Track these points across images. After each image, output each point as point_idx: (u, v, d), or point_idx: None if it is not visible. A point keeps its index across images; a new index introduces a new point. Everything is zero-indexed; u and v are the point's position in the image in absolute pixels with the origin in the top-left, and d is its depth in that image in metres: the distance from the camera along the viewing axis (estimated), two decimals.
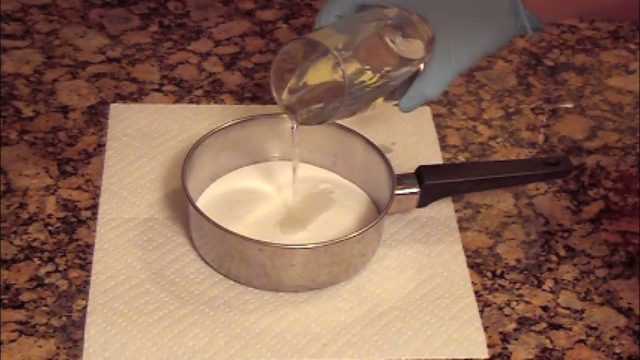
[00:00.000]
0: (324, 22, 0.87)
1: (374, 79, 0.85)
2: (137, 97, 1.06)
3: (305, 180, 0.97)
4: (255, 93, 1.08)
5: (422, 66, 0.86)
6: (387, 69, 0.85)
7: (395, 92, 0.87)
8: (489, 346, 0.85)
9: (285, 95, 0.88)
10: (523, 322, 0.88)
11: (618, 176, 1.02)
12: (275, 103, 1.07)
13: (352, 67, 0.83)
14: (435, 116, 1.07)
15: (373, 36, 0.86)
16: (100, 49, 1.12)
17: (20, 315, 0.84)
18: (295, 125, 0.88)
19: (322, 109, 0.88)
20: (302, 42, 0.86)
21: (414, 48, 0.86)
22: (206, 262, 0.90)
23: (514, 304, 0.89)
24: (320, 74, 0.88)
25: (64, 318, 0.85)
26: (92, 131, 1.02)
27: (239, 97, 1.08)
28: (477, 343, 0.85)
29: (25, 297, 0.86)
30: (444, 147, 1.03)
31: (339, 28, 0.86)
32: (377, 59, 0.85)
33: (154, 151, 1.00)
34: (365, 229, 0.87)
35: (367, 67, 0.84)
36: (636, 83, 1.14)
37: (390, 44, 0.86)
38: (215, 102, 1.07)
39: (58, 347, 0.82)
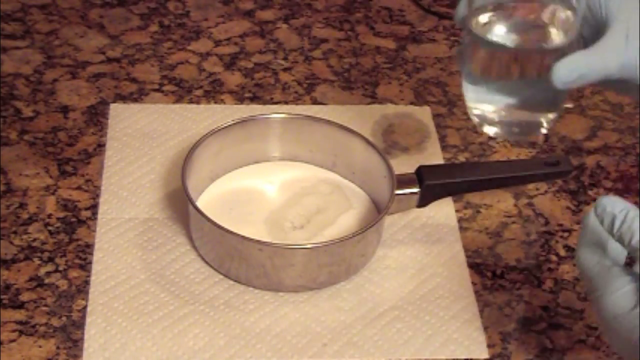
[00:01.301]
0: None
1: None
2: (137, 97, 1.06)
3: (305, 180, 0.97)
4: (255, 93, 1.08)
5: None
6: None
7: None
8: (489, 346, 0.85)
9: None
10: (523, 322, 0.88)
11: (618, 176, 1.02)
12: (275, 103, 1.07)
13: None
14: (435, 116, 1.07)
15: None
16: (100, 49, 1.12)
17: (20, 315, 0.84)
18: None
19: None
20: None
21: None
22: (206, 262, 0.90)
23: (514, 304, 0.89)
24: None
25: (64, 318, 0.85)
26: (92, 131, 1.02)
27: (239, 97, 1.08)
28: (477, 343, 0.85)
29: (25, 297, 0.86)
30: (444, 147, 1.03)
31: None
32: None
33: (154, 151, 1.00)
34: (365, 229, 0.87)
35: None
36: None
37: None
38: (215, 102, 1.07)
39: (58, 347, 0.82)
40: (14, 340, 0.82)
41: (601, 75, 0.77)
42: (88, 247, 0.90)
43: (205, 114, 1.05)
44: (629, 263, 0.72)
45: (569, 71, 0.77)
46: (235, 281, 0.88)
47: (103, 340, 0.83)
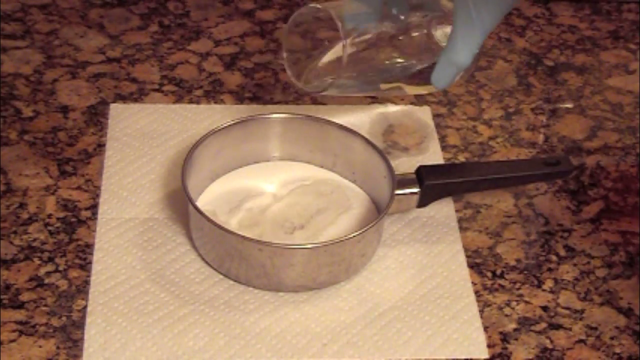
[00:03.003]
0: None
1: (393, 58, 0.84)
2: (137, 97, 1.07)
3: (305, 180, 0.97)
4: (255, 93, 1.08)
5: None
6: (405, 48, 0.84)
7: (422, 75, 0.86)
8: (489, 346, 0.85)
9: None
10: (523, 322, 0.88)
11: (618, 176, 1.02)
12: (275, 103, 1.07)
13: (361, 42, 0.82)
14: (435, 116, 1.07)
15: (395, 14, 0.85)
16: (100, 49, 1.12)
17: (20, 315, 0.84)
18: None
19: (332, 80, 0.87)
20: (309, 10, 0.85)
21: (440, 33, 0.86)
22: (206, 262, 0.90)
23: (514, 304, 0.89)
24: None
25: (64, 318, 0.85)
26: (92, 131, 1.02)
27: (239, 97, 1.08)
28: (477, 343, 0.85)
29: (25, 297, 0.86)
30: (444, 147, 1.03)
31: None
32: (398, 40, 0.84)
33: (154, 151, 1.00)
34: (365, 229, 0.87)
35: (382, 43, 0.83)
36: (636, 83, 1.14)
37: (417, 28, 0.85)
38: (215, 102, 1.07)
39: (58, 347, 0.82)
40: (14, 340, 0.83)
41: (469, 59, 0.83)
42: (88, 247, 0.90)
43: (205, 114, 1.05)
44: None
45: (442, 76, 0.85)
46: (235, 281, 0.88)
47: (103, 340, 0.83)
